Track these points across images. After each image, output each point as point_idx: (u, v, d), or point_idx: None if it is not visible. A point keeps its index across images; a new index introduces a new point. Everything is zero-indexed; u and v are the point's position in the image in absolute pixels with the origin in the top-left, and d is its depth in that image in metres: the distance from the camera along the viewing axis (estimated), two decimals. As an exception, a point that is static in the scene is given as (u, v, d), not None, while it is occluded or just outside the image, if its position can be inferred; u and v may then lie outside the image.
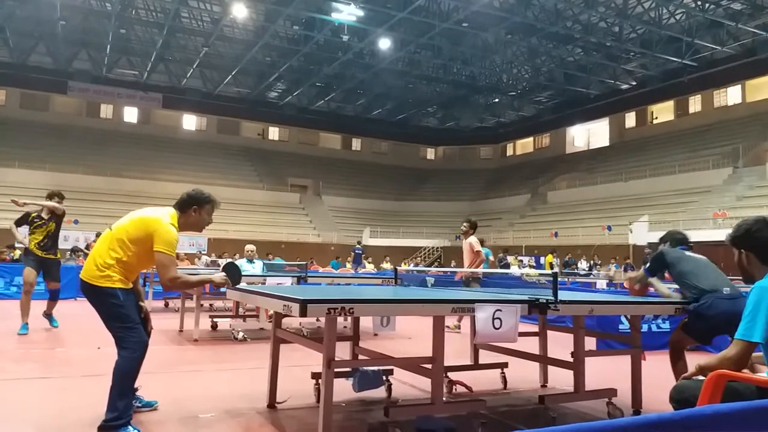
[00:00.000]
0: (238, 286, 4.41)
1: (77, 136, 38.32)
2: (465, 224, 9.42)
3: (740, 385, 2.30)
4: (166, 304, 12.21)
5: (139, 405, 4.01)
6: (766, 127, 30.79)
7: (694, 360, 2.57)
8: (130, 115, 42.55)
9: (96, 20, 33.34)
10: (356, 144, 49.66)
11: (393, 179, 46.85)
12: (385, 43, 31.74)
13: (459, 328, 8.60)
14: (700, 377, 2.42)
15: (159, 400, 4.23)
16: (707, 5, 27.02)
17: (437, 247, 38.00)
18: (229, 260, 4.77)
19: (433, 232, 37.76)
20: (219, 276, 3.83)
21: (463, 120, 49.18)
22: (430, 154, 52.64)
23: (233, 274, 3.87)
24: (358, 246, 26.32)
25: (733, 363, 2.36)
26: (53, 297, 8.01)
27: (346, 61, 34.62)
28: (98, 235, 18.31)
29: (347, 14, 27.52)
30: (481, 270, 9.14)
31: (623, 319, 7.23)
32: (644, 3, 27.61)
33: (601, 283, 15.99)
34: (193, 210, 3.78)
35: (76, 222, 28.13)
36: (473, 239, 9.36)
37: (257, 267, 9.69)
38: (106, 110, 41.77)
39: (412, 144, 50.65)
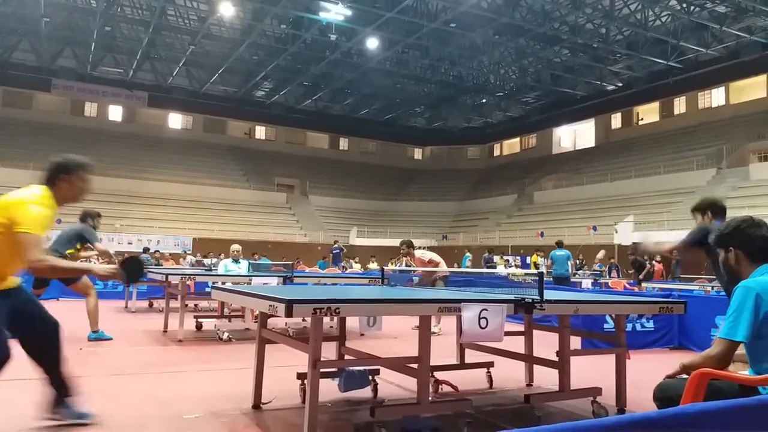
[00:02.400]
0: (223, 286, 4.37)
1: (61, 135, 37.89)
2: (403, 247, 9.49)
3: (723, 383, 2.32)
4: (151, 304, 12.11)
5: (72, 417, 3.56)
6: (749, 129, 31.19)
7: (678, 358, 2.59)
8: (115, 113, 42.17)
9: (81, 17, 32.99)
10: (344, 144, 49.60)
11: (380, 179, 46.84)
12: (372, 43, 31.72)
13: (440, 330, 8.57)
14: (684, 376, 2.43)
15: (143, 401, 4.19)
16: (692, 8, 27.32)
17: (425, 247, 38.05)
18: (133, 255, 4.18)
19: (421, 232, 37.78)
20: (106, 268, 3.43)
21: (451, 120, 49.30)
22: (418, 154, 52.72)
23: (131, 269, 3.46)
24: (336, 245, 26.27)
25: (716, 362, 2.37)
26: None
27: (333, 60, 34.56)
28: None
29: (335, 13, 27.47)
30: (442, 270, 9.23)
31: (608, 318, 7.28)
32: (630, 5, 27.84)
33: (587, 283, 16.11)
34: (63, 179, 3.43)
35: (59, 221, 27.81)
36: (418, 253, 9.49)
37: (243, 267, 9.62)
38: (90, 108, 41.36)
39: (400, 144, 50.70)
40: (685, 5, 27.10)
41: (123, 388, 4.72)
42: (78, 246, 7.41)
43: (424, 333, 3.71)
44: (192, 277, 8.23)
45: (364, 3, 27.03)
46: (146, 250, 19.97)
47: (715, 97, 34.78)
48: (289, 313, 2.99)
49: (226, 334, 7.60)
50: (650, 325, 7.95)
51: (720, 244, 2.69)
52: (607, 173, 34.76)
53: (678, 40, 29.81)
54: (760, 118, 31.11)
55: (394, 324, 8.20)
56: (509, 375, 5.32)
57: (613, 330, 4.73)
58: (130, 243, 29.43)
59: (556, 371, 4.25)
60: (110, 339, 7.26)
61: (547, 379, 4.94)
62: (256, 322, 4.57)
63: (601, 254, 19.09)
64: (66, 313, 10.28)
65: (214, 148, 42.99)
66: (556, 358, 4.28)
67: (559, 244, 15.67)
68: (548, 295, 3.76)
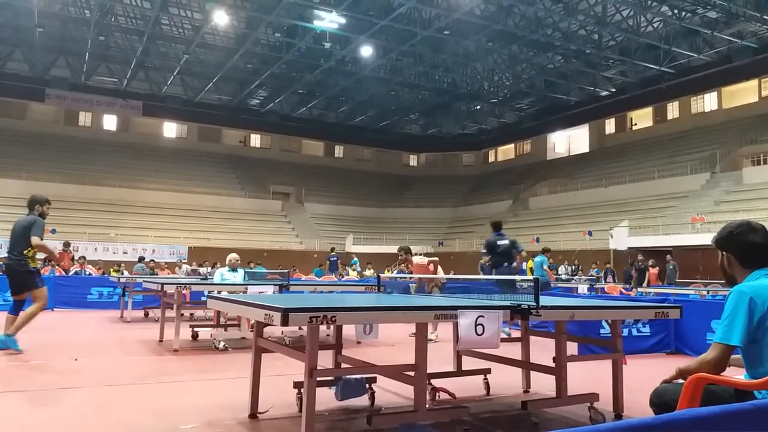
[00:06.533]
0: (219, 295, 4.35)
1: (55, 145, 37.85)
2: (401, 254, 9.43)
3: (719, 388, 2.32)
4: (146, 314, 12.06)
5: None
6: (742, 133, 31.37)
7: (675, 363, 2.59)
8: (110, 122, 42.12)
9: (74, 27, 33.00)
10: (339, 151, 49.65)
11: (376, 186, 46.89)
12: (367, 51, 31.83)
13: (437, 337, 8.59)
14: (680, 381, 2.43)
15: (139, 412, 4.16)
16: (683, 13, 27.52)
17: (420, 254, 38.03)
18: None
19: (416, 239, 37.79)
20: None
21: (445, 127, 49.42)
22: (413, 160, 52.82)
23: None
24: (332, 253, 26.24)
25: (712, 366, 2.37)
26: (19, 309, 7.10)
27: (328, 68, 34.64)
28: (66, 244, 17.76)
29: (329, 22, 27.56)
30: (441, 276, 9.23)
31: (604, 323, 7.28)
32: (622, 11, 28.03)
33: (583, 288, 16.13)
34: None
35: (53, 231, 27.71)
36: (417, 259, 9.46)
37: (239, 276, 9.59)
38: (84, 118, 41.30)
39: (395, 151, 50.80)
40: (676, 11, 27.31)
41: (118, 399, 4.70)
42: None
43: (421, 340, 3.71)
44: (187, 286, 8.20)
45: (358, 11, 27.13)
46: (141, 259, 19.92)
47: (708, 101, 34.99)
48: (285, 322, 2.99)
49: (222, 344, 7.57)
50: (646, 329, 7.96)
51: (717, 246, 2.72)
52: (601, 178, 34.88)
53: (670, 45, 30.01)
54: (753, 123, 31.32)
55: (391, 331, 8.20)
56: (506, 381, 5.31)
57: (610, 335, 4.73)
58: (125, 252, 29.35)
59: (553, 377, 4.25)
60: (20, 352, 6.65)
61: (544, 385, 4.93)
62: (252, 331, 4.56)
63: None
64: (61, 323, 10.24)
65: (209, 157, 42.97)
66: (553, 364, 4.28)
67: (544, 251, 15.78)
68: (544, 301, 3.76)
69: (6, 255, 7.13)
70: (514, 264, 9.42)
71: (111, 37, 34.40)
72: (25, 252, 6.85)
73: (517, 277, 7.30)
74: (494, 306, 3.61)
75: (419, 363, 3.64)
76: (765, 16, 26.67)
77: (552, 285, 15.41)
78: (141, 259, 19.47)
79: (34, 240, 6.78)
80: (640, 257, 20.56)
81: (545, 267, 15.17)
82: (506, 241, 9.10)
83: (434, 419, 3.87)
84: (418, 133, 51.31)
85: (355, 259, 25.36)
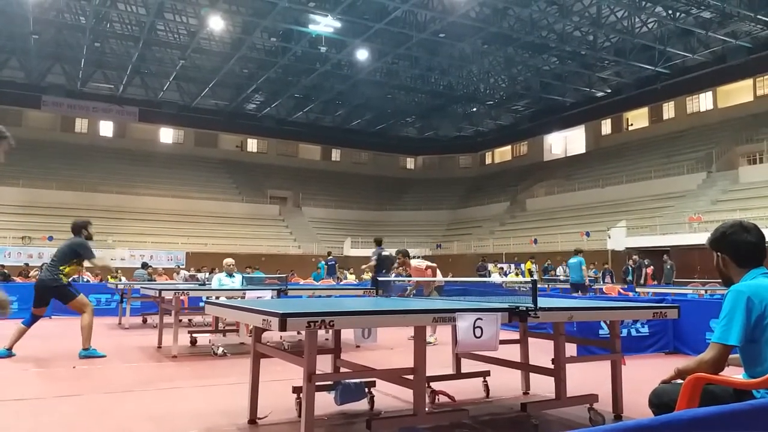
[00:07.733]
0: (217, 300, 4.34)
1: (51, 152, 37.76)
2: (399, 257, 9.51)
3: (717, 388, 2.32)
4: (144, 320, 12.02)
5: None
6: (737, 132, 31.46)
7: (674, 363, 2.59)
8: (106, 129, 42.09)
9: (70, 34, 32.99)
10: (336, 155, 49.67)
11: (373, 189, 46.88)
12: (362, 54, 31.86)
13: (436, 340, 8.59)
14: (679, 381, 2.43)
15: (137, 418, 4.15)
16: (678, 14, 27.62)
17: (420, 256, 37.97)
18: None
19: (415, 241, 37.79)
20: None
21: (442, 129, 49.48)
22: (410, 163, 52.85)
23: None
24: (330, 257, 26.19)
25: (710, 366, 2.37)
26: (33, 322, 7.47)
27: (324, 72, 34.67)
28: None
29: (324, 26, 27.58)
30: (439, 279, 9.22)
31: (603, 324, 7.29)
32: (617, 12, 28.12)
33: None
34: None
35: (50, 239, 27.68)
36: (415, 262, 9.46)
37: (237, 281, 9.58)
38: (81, 124, 41.26)
39: (392, 154, 50.83)
40: (670, 11, 27.41)
41: (117, 406, 4.68)
42: (74, 261, 7.42)
43: (420, 344, 3.70)
44: (185, 292, 8.18)
45: (353, 15, 27.17)
46: (145, 265, 19.79)
47: (703, 101, 35.08)
48: (282, 328, 2.98)
49: (220, 349, 7.56)
50: (645, 330, 7.96)
51: (711, 248, 2.73)
52: (598, 179, 34.93)
53: (665, 45, 30.12)
54: (748, 122, 31.41)
55: (390, 335, 8.19)
56: (506, 384, 5.31)
57: (608, 336, 4.73)
58: (122, 259, 29.23)
59: (553, 379, 4.25)
60: (103, 356, 7.18)
61: (543, 386, 4.93)
62: (250, 336, 4.54)
63: None
64: (59, 330, 10.23)
65: (205, 162, 42.94)
66: (552, 366, 4.28)
67: (576, 252, 16.14)
68: (542, 302, 3.76)
69: (43, 269, 7.78)
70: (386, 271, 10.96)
71: (106, 43, 34.40)
72: (60, 267, 7.31)
73: (411, 279, 8.96)
74: (492, 308, 3.61)
75: (418, 366, 3.64)
76: (759, 16, 26.78)
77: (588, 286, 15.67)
78: (144, 266, 19.22)
79: (95, 262, 7.67)
80: (634, 257, 20.97)
81: (584, 267, 15.42)
82: (388, 253, 10.80)
83: (434, 422, 3.87)
84: (414, 135, 51.36)
85: (322, 262, 25.40)
